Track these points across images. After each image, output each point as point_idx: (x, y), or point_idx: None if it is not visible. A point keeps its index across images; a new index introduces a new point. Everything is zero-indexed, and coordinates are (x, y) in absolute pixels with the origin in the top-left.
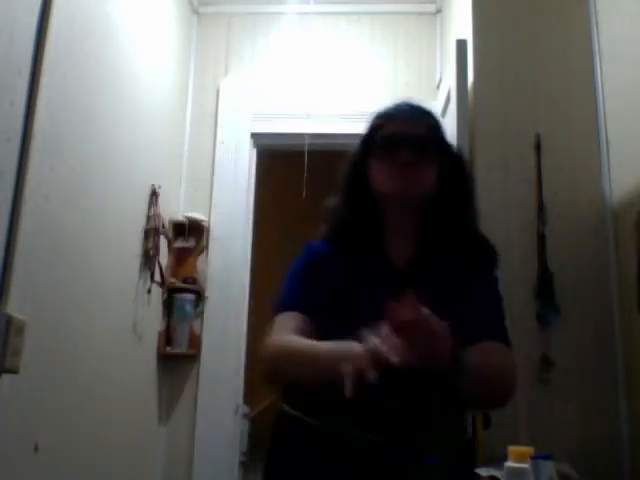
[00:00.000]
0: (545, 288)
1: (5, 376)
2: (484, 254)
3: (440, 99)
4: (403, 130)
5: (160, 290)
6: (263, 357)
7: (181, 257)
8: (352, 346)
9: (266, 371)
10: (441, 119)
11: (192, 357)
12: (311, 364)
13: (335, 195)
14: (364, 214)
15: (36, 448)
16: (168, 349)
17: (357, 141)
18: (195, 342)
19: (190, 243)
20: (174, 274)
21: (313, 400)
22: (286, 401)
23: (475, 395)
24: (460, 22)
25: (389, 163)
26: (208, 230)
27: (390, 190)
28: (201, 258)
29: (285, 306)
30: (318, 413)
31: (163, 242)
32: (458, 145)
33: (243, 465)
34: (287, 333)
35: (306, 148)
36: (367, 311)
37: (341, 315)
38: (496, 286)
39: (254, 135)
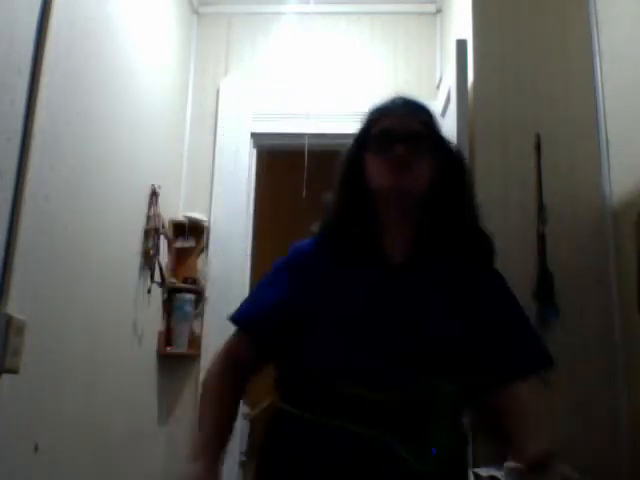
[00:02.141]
0: (545, 288)
1: (5, 376)
2: (482, 255)
3: (440, 99)
4: (398, 125)
5: (160, 290)
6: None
7: (181, 257)
8: (194, 465)
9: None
10: (437, 115)
11: (192, 357)
12: (197, 427)
13: (330, 192)
14: (358, 210)
15: (36, 448)
16: (168, 349)
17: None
18: (195, 342)
19: (190, 243)
20: (174, 274)
21: (310, 395)
22: (279, 395)
23: None
24: (460, 22)
25: (384, 158)
26: (208, 230)
27: (384, 185)
28: (201, 258)
29: (241, 322)
30: (312, 408)
31: (163, 242)
32: (458, 143)
33: (243, 465)
34: (225, 368)
35: (306, 148)
36: (360, 309)
37: (329, 317)
38: (514, 298)
39: (254, 135)
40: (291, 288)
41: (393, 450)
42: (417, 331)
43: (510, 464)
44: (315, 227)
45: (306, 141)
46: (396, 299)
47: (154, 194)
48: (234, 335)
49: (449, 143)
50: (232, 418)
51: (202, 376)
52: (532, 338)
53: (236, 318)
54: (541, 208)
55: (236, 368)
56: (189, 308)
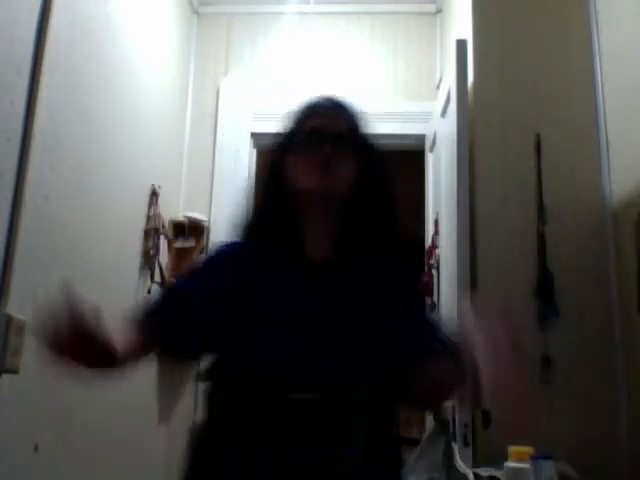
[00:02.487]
0: (545, 288)
1: (5, 376)
2: (402, 261)
3: (440, 99)
4: (323, 125)
5: (160, 290)
6: None
7: (181, 257)
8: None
9: None
10: (361, 117)
11: None
12: None
13: (254, 193)
14: (280, 210)
15: (36, 448)
16: None
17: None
18: None
19: (190, 243)
20: (174, 274)
21: (233, 403)
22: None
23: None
24: (460, 22)
25: (307, 157)
26: (208, 230)
27: (307, 185)
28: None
29: (146, 318)
30: (234, 415)
31: (163, 242)
32: (458, 143)
33: None
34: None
35: None
36: (278, 308)
37: (254, 313)
38: (426, 307)
39: (254, 135)
40: (208, 287)
41: (315, 454)
42: (337, 332)
43: (510, 464)
44: (237, 229)
45: None
46: (318, 299)
47: (154, 194)
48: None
49: (372, 144)
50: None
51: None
52: (436, 334)
53: (143, 314)
54: (541, 208)
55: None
56: None
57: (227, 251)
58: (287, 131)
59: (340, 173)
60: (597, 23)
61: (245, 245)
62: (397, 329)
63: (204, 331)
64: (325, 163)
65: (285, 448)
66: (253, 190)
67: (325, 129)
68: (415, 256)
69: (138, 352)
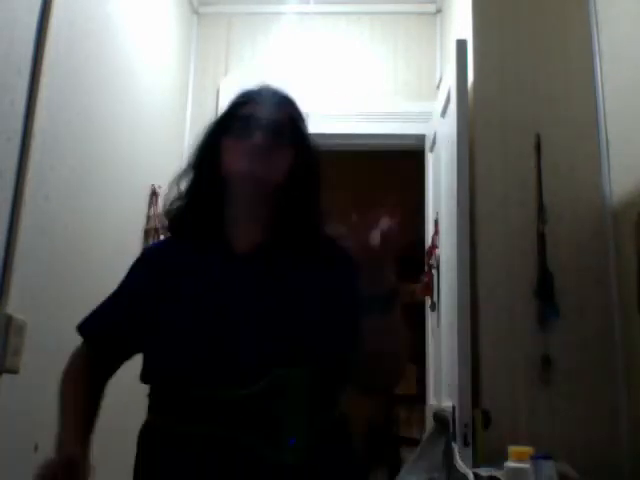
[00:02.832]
0: (545, 288)
1: (5, 376)
2: (333, 254)
3: (440, 99)
4: (261, 112)
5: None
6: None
7: None
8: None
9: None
10: (301, 109)
11: None
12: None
13: (183, 178)
14: (206, 196)
15: (36, 448)
16: None
17: (357, 141)
18: None
19: None
20: None
21: (165, 402)
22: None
23: (373, 372)
24: (460, 22)
25: (242, 143)
26: None
27: (239, 171)
28: None
29: (85, 331)
30: (168, 414)
31: None
32: (458, 143)
33: None
34: (83, 364)
35: None
36: (202, 298)
37: (175, 305)
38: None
39: None
40: (132, 287)
41: (251, 447)
42: (262, 321)
43: (510, 464)
44: (166, 216)
45: None
46: (241, 288)
47: (154, 194)
48: (75, 352)
49: (309, 139)
50: (96, 410)
51: None
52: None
53: (82, 330)
54: (541, 208)
55: (93, 367)
56: None
57: (154, 246)
58: (223, 116)
59: (274, 160)
60: (597, 23)
61: (171, 237)
62: (323, 316)
63: (129, 331)
64: (260, 149)
65: (215, 443)
66: (183, 175)
67: (258, 117)
68: (341, 247)
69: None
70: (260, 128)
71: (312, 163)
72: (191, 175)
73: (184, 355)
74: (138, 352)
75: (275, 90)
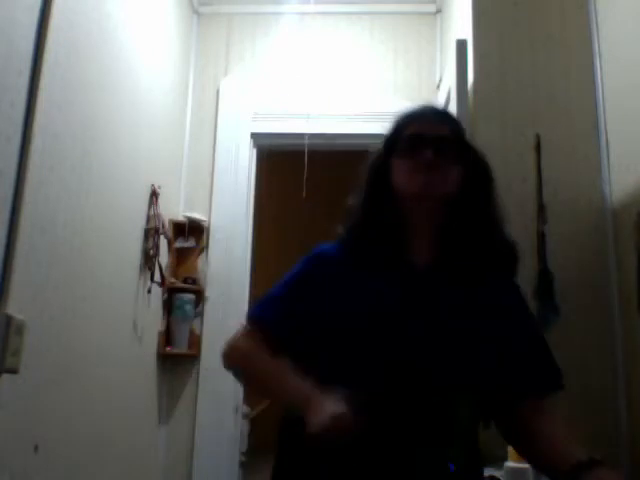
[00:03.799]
0: (545, 288)
1: (5, 376)
2: (505, 263)
3: (440, 99)
4: (428, 130)
5: (160, 290)
6: (229, 344)
7: (181, 257)
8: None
9: (224, 357)
10: (461, 123)
11: (192, 357)
12: (274, 382)
13: (355, 195)
14: (384, 214)
15: (36, 448)
16: (168, 349)
17: (357, 141)
18: (195, 342)
19: (190, 243)
20: (174, 274)
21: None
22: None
23: None
24: (460, 22)
25: (412, 162)
26: (208, 230)
27: (411, 189)
28: (201, 258)
29: (257, 320)
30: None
31: (163, 242)
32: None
33: (243, 465)
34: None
35: (306, 148)
36: (387, 314)
37: (351, 327)
38: (534, 317)
39: (254, 135)
40: (312, 296)
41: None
42: (455, 343)
43: (510, 464)
44: (340, 230)
45: (306, 141)
46: (423, 303)
47: (154, 194)
48: (243, 334)
49: (476, 151)
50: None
51: (202, 376)
52: (548, 357)
53: (255, 314)
54: (541, 208)
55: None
56: (189, 308)
57: (328, 257)
58: (389, 136)
59: (441, 178)
60: (597, 23)
61: (345, 249)
62: (509, 348)
63: (301, 336)
64: (427, 167)
65: (396, 447)
66: (355, 194)
67: (427, 134)
68: (515, 265)
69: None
70: (429, 145)
71: (483, 174)
72: (364, 194)
73: (377, 371)
74: (297, 354)
75: (435, 108)
